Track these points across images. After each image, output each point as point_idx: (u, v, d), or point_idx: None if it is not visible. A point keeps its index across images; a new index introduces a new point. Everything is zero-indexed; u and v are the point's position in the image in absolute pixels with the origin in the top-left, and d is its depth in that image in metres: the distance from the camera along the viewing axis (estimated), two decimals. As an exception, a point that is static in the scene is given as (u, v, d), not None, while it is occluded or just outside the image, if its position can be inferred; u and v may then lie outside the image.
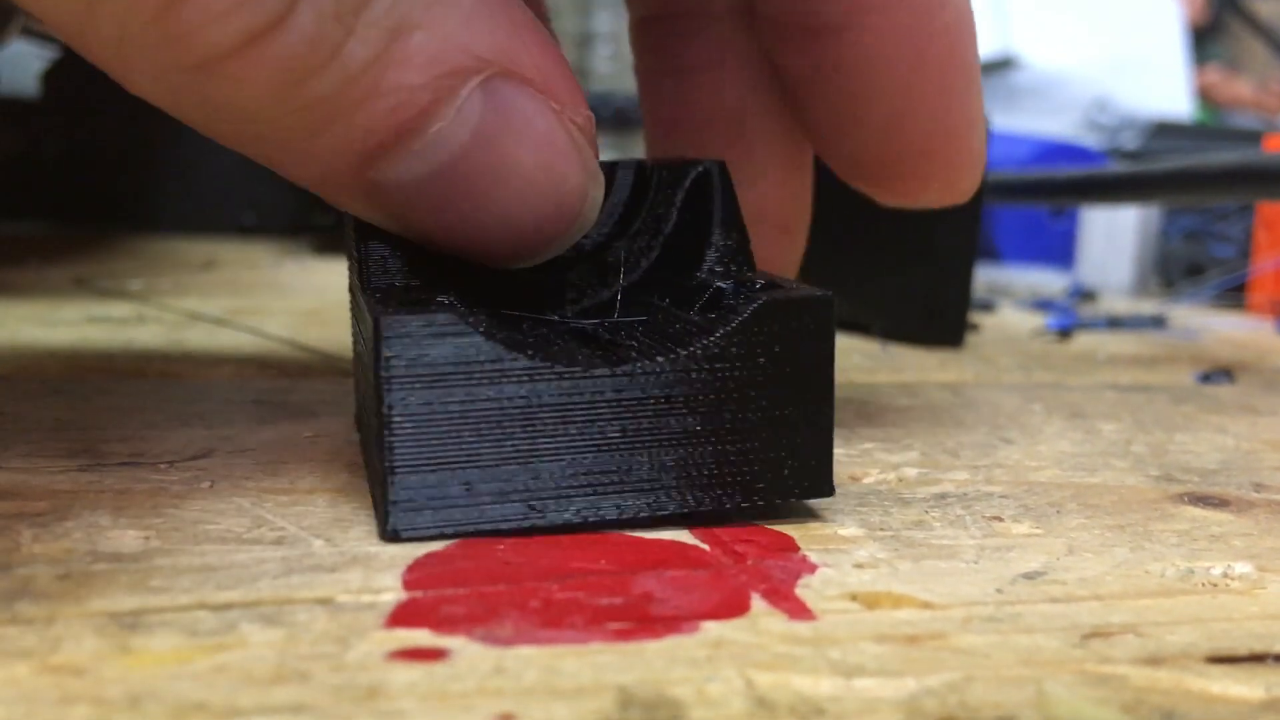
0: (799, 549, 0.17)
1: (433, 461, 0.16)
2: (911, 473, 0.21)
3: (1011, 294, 0.54)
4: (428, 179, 0.17)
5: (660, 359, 0.17)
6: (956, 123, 0.22)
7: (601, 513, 0.17)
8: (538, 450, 0.16)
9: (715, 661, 0.13)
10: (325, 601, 0.14)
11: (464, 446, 0.16)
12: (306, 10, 0.15)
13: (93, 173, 0.62)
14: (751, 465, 0.17)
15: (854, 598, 0.15)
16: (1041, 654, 0.14)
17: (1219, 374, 0.33)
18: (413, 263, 0.18)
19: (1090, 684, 0.13)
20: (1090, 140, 0.88)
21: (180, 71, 0.15)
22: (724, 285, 0.19)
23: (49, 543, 0.15)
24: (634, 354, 0.17)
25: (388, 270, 0.18)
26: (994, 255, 0.60)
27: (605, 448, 0.17)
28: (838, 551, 0.17)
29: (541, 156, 0.17)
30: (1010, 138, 0.63)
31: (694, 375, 0.17)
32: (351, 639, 0.13)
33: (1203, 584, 0.16)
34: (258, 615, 0.13)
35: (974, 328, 0.41)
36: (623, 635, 0.13)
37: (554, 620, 0.14)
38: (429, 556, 0.15)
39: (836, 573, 0.16)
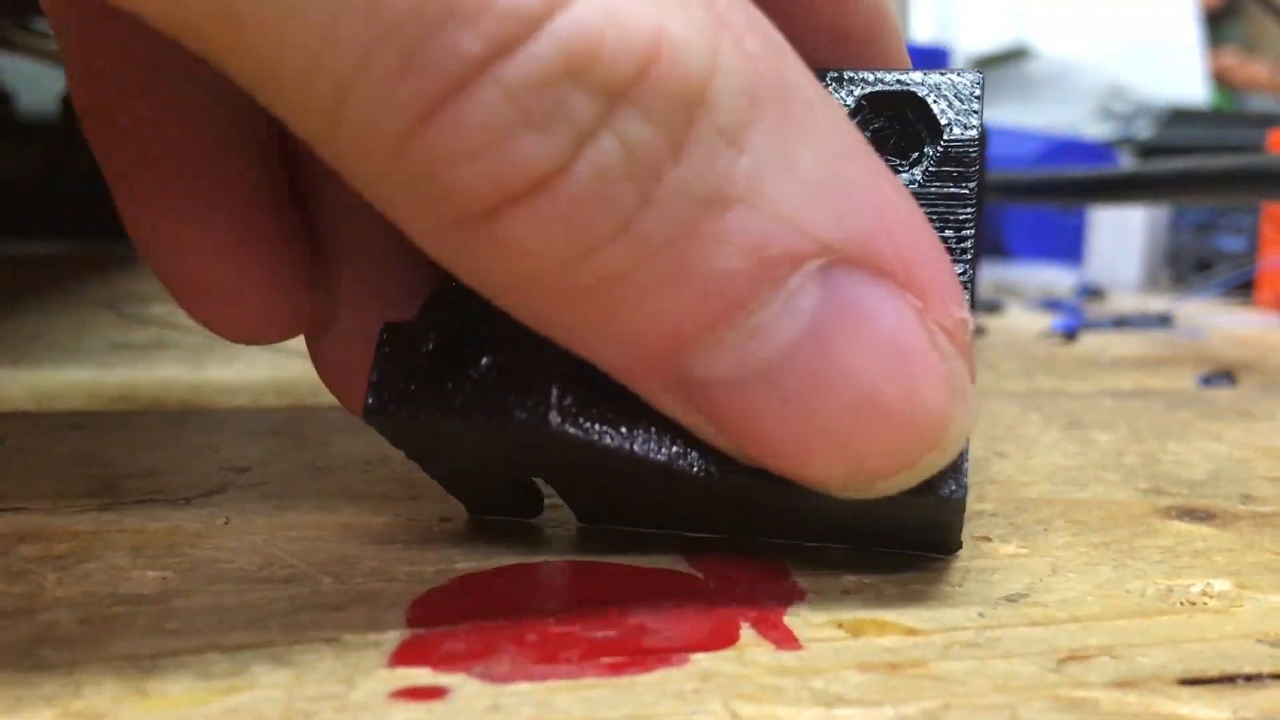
0: (790, 575, 0.17)
1: None
2: (905, 492, 0.22)
3: (1021, 293, 0.55)
4: (746, 379, 0.14)
5: None
6: None
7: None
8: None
9: (702, 694, 0.13)
10: (332, 641, 0.15)
11: None
12: (586, 167, 0.12)
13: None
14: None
15: (840, 625, 0.16)
16: (1017, 679, 0.14)
17: (1220, 376, 0.34)
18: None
19: (1062, 709, 0.13)
20: (1105, 129, 0.88)
21: (441, 228, 0.13)
22: None
23: (71, 586, 0.16)
24: None
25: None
26: (1003, 253, 0.61)
27: None
28: (828, 577, 0.17)
29: (890, 366, 0.14)
30: (1017, 134, 0.64)
31: None
32: (356, 678, 0.14)
33: (1181, 603, 0.17)
34: (268, 656, 0.14)
35: (981, 331, 0.42)
36: (615, 669, 0.14)
37: (550, 655, 0.14)
38: (433, 591, 0.16)
39: (825, 599, 0.16)
